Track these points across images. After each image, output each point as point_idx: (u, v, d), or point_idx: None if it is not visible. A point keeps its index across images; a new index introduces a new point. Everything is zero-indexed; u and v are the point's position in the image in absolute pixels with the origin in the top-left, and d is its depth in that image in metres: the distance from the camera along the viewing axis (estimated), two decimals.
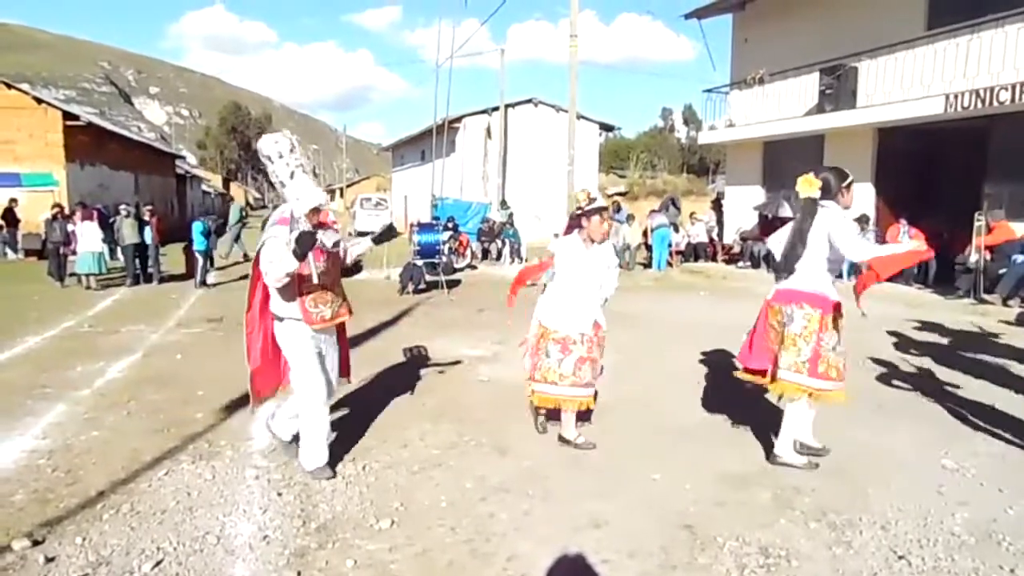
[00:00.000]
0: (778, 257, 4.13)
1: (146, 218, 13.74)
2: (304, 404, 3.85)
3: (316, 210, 3.73)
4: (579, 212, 4.40)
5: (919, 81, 13.33)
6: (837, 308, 3.99)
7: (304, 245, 3.41)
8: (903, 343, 7.43)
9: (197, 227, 13.10)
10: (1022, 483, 3.80)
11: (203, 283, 12.73)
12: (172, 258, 15.50)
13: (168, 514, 3.42)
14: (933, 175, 14.41)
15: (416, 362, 6.79)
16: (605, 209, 4.38)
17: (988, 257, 10.63)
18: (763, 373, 4.14)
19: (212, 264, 13.92)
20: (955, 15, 12.82)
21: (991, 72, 12.00)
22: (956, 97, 11.98)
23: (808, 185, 3.95)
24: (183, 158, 48.57)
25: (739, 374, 4.42)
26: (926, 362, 6.78)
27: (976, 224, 10.93)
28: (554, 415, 4.58)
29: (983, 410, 5.18)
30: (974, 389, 5.74)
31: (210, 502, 3.56)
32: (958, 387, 5.80)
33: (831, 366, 3.88)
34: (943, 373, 6.31)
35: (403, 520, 3.38)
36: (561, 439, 4.43)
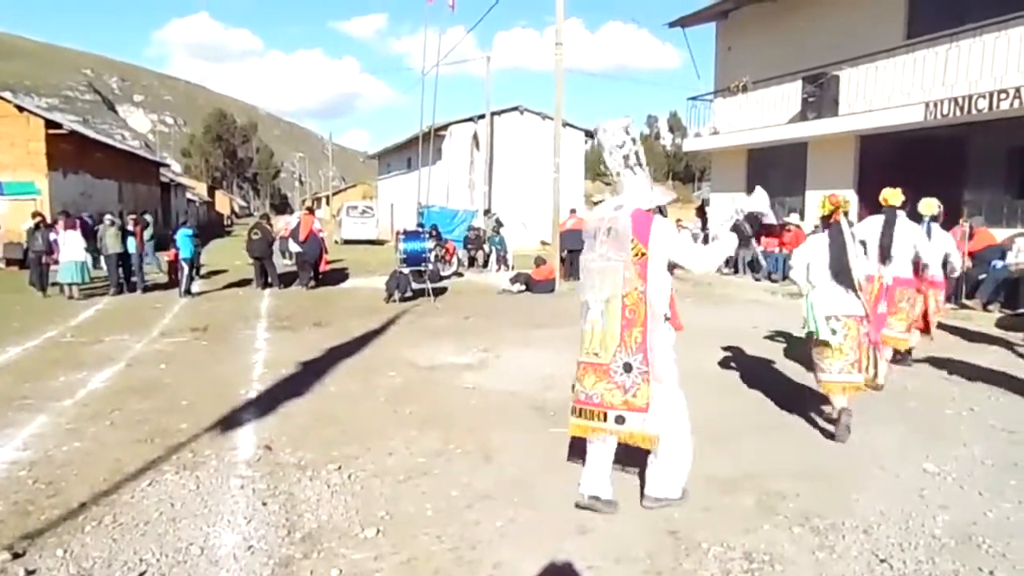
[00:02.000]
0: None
1: (130, 227, 13.65)
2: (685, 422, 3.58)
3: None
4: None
5: (899, 89, 13.52)
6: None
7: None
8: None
9: (183, 234, 13.02)
10: (1001, 486, 3.85)
11: (188, 292, 12.64)
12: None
13: (151, 525, 3.39)
14: (914, 182, 14.54)
15: (402, 370, 6.78)
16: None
17: (969, 263, 10.76)
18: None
19: (198, 273, 13.84)
20: (934, 24, 13.03)
21: (969, 80, 12.19)
22: (935, 105, 12.16)
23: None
24: (168, 166, 48.28)
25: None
26: (907, 367, 6.85)
27: (959, 230, 11.07)
28: None
29: (963, 414, 5.24)
30: (955, 393, 5.80)
31: (194, 512, 3.53)
32: (939, 391, 5.86)
33: None
34: (925, 377, 6.38)
35: (388, 529, 3.37)
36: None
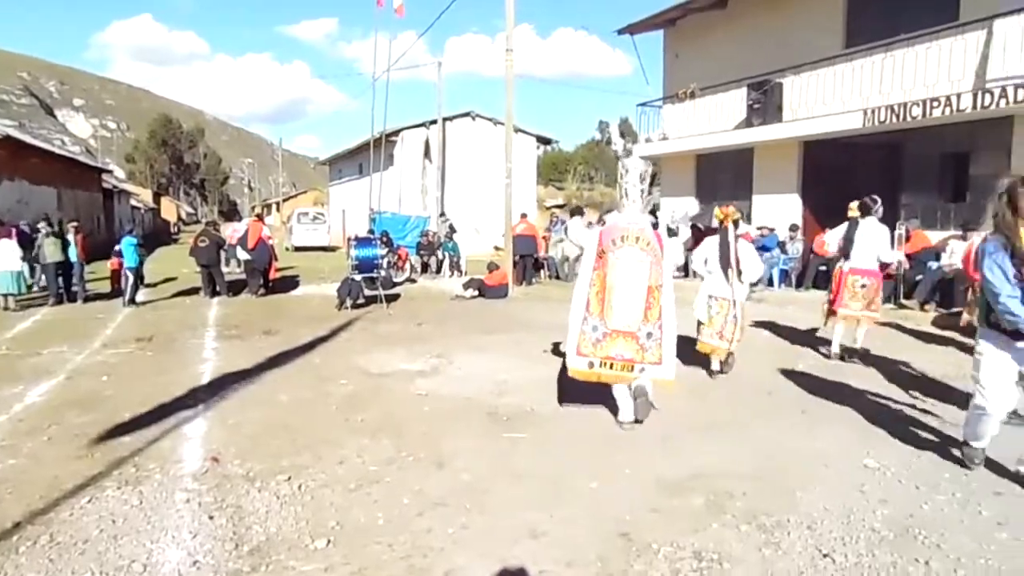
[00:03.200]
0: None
1: (70, 236, 13.21)
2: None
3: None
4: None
5: (839, 97, 13.94)
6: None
7: None
8: (827, 348, 7.69)
9: (128, 243, 12.65)
10: (936, 479, 4.00)
11: (132, 301, 12.29)
12: (99, 276, 14.93)
13: (91, 544, 3.28)
14: (854, 186, 15.03)
15: (354, 378, 6.71)
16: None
17: (907, 264, 11.14)
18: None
19: (142, 281, 13.46)
20: (870, 35, 13.49)
21: (904, 88, 12.64)
22: (873, 112, 12.57)
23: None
24: (110, 172, 46.85)
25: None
26: (849, 366, 7.06)
27: (896, 233, 11.46)
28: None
29: (902, 410, 5.42)
30: (894, 391, 6.01)
31: (136, 529, 3.43)
32: (879, 389, 6.06)
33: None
34: (865, 376, 6.59)
35: (339, 539, 3.33)
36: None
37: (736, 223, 6.36)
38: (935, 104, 11.58)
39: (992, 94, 10.83)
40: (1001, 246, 3.71)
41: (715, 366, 6.58)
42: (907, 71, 12.70)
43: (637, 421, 4.97)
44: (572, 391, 5.59)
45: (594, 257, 5.00)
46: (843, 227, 7.41)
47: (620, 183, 5.16)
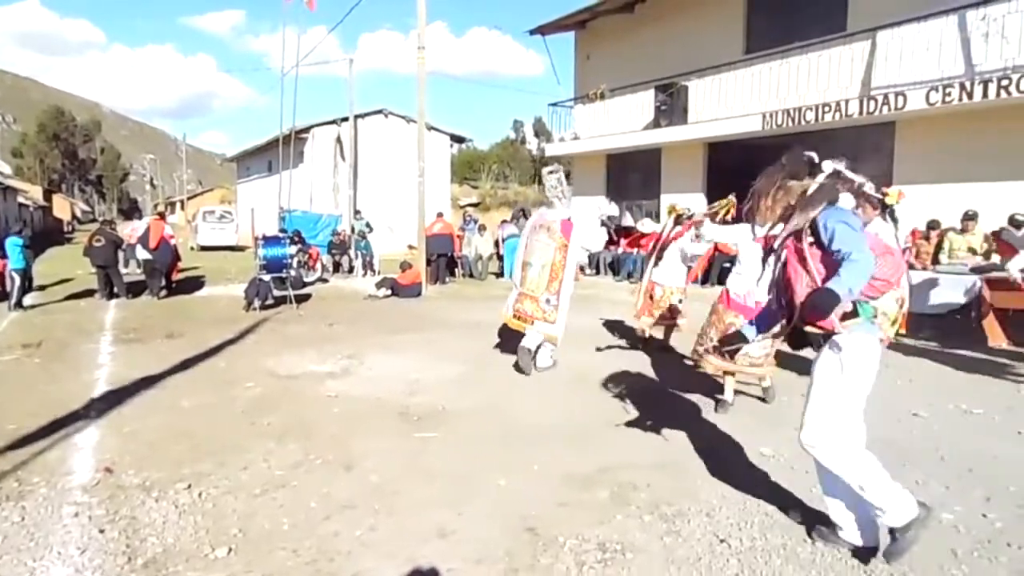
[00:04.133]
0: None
1: None
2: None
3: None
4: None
5: (740, 100, 14.55)
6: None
7: None
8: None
9: (12, 243, 11.84)
10: None
11: (19, 305, 11.52)
12: None
13: None
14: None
15: (261, 380, 6.53)
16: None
17: None
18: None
19: (31, 284, 12.64)
20: (768, 42, 14.16)
21: (799, 94, 13.33)
22: (771, 116, 13.20)
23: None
24: None
25: None
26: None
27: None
28: None
29: (795, 400, 5.70)
30: (789, 380, 6.30)
31: (18, 547, 3.22)
32: (781, 382, 6.35)
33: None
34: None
35: (241, 547, 3.24)
36: None
37: (679, 218, 6.57)
38: (827, 109, 12.27)
39: (876, 100, 11.55)
40: None
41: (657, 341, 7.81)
42: (802, 77, 13.39)
43: (519, 369, 6.62)
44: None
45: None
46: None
47: (546, 189, 7.08)
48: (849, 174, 3.00)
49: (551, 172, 7.11)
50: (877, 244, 3.07)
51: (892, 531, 2.91)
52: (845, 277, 2.71)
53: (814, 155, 3.03)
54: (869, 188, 3.13)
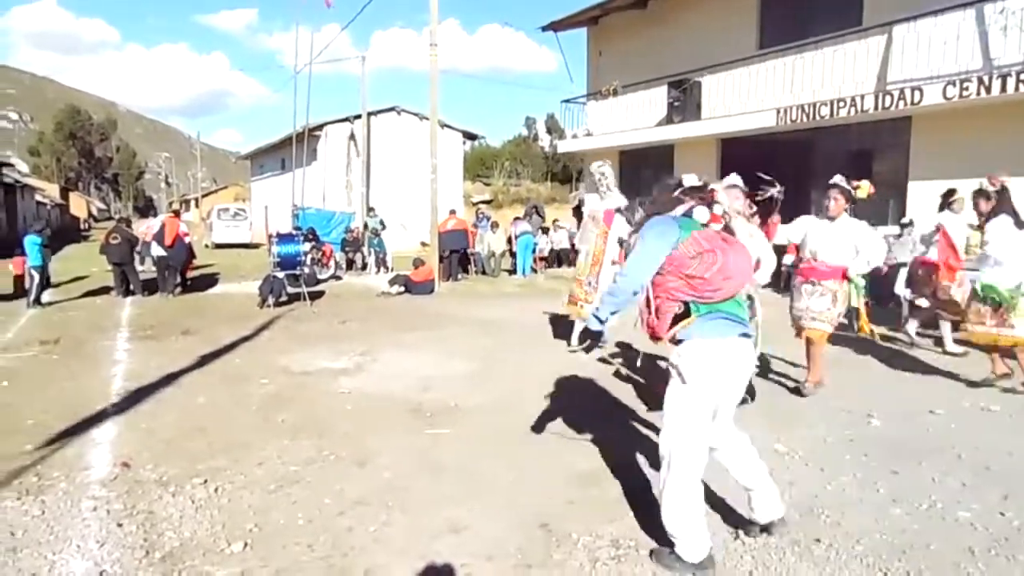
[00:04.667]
0: None
1: None
2: None
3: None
4: None
5: (754, 96, 14.45)
6: None
7: None
8: None
9: (31, 241, 11.98)
10: (839, 462, 4.23)
11: (36, 302, 11.66)
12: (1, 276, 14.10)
13: None
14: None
15: (275, 377, 6.57)
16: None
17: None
18: None
19: (49, 282, 12.78)
20: (782, 37, 14.04)
21: (813, 89, 13.22)
22: (785, 111, 13.09)
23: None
24: (11, 166, 44.08)
25: None
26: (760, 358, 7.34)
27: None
28: None
29: (808, 398, 5.69)
30: (802, 378, 6.27)
31: (38, 540, 3.27)
32: (787, 378, 6.33)
33: None
34: (774, 367, 6.86)
35: (257, 541, 3.27)
36: None
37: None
38: (841, 104, 12.16)
39: (892, 95, 11.44)
40: None
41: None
42: (816, 72, 13.28)
43: (572, 350, 7.62)
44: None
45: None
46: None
47: (596, 182, 7.59)
48: (700, 186, 3.12)
49: (599, 166, 7.52)
50: (706, 240, 2.92)
51: (678, 555, 2.98)
52: (604, 297, 3.21)
53: (686, 176, 3.20)
54: (777, 193, 3.67)
